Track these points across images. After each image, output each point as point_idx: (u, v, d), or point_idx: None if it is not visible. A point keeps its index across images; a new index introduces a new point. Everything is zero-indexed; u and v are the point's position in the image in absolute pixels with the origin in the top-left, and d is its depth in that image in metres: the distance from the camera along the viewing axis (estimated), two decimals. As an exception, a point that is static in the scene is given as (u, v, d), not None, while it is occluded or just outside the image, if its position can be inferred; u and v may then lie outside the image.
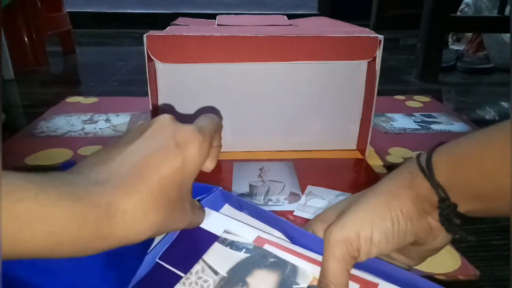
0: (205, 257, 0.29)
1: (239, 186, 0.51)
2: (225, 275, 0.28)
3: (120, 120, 0.74)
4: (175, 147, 0.24)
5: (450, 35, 1.46)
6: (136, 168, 0.23)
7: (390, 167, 0.58)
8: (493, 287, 0.36)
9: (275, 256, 0.29)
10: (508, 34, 1.15)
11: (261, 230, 0.30)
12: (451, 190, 0.24)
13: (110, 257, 0.27)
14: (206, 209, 0.31)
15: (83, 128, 0.70)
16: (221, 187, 0.34)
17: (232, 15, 0.79)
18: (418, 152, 0.26)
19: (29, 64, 1.15)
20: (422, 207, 0.25)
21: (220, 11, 1.93)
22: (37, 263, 0.27)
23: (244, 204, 0.32)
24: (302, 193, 0.50)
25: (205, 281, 0.28)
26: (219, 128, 0.30)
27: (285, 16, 0.77)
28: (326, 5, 2.14)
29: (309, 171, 0.56)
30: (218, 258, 0.29)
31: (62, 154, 0.59)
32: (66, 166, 0.28)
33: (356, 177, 0.56)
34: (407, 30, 1.64)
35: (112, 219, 0.21)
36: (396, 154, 0.62)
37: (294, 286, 0.27)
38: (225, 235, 0.30)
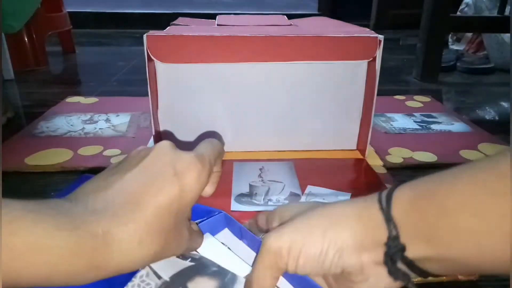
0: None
1: (239, 186, 0.51)
2: (168, 279, 0.29)
3: (120, 120, 0.74)
4: (173, 175, 0.24)
5: (450, 35, 1.46)
6: (132, 196, 0.23)
7: (390, 168, 0.58)
8: (492, 287, 0.36)
9: (218, 266, 0.30)
10: (508, 34, 1.15)
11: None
12: (404, 230, 0.22)
13: None
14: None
15: (83, 128, 0.70)
16: (224, 211, 0.34)
17: (232, 15, 0.79)
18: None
19: (29, 64, 1.15)
20: (362, 242, 0.23)
21: (220, 11, 1.93)
22: None
23: (245, 233, 0.32)
24: (302, 193, 0.50)
25: (148, 284, 0.29)
26: (220, 153, 0.30)
27: (285, 16, 0.77)
28: (326, 5, 2.14)
29: (309, 171, 0.56)
30: (163, 264, 0.30)
31: (62, 154, 0.59)
32: (59, 196, 0.29)
33: (356, 177, 0.56)
34: (407, 30, 1.65)
35: (108, 248, 0.21)
36: (396, 154, 0.62)
37: None
38: None
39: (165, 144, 0.26)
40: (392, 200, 0.22)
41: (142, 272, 0.29)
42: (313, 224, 0.25)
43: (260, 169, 0.56)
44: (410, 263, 0.22)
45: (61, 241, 0.19)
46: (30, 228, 0.19)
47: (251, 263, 0.31)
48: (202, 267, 0.30)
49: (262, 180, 0.53)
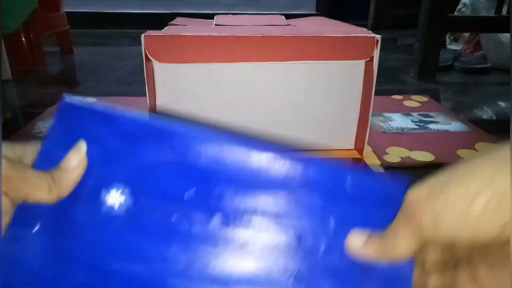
0: None
1: (237, 186, 0.51)
2: None
3: (118, 120, 0.74)
4: None
5: (447, 35, 1.46)
6: None
7: (388, 167, 0.58)
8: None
9: None
10: (505, 34, 1.15)
11: None
12: None
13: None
14: None
15: (81, 128, 0.70)
16: None
17: (230, 15, 0.79)
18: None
19: (27, 65, 1.15)
20: None
21: (218, 11, 1.93)
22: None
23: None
24: (300, 192, 0.50)
25: None
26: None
27: (283, 16, 0.77)
28: (324, 5, 2.14)
29: (307, 170, 0.56)
30: None
31: (60, 154, 0.59)
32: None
33: (354, 177, 0.56)
34: (405, 30, 1.65)
35: None
36: (393, 153, 0.62)
37: None
38: None
39: None
40: None
41: None
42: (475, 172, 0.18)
43: (258, 169, 0.56)
44: None
45: None
46: None
47: None
48: None
49: (260, 180, 0.53)
